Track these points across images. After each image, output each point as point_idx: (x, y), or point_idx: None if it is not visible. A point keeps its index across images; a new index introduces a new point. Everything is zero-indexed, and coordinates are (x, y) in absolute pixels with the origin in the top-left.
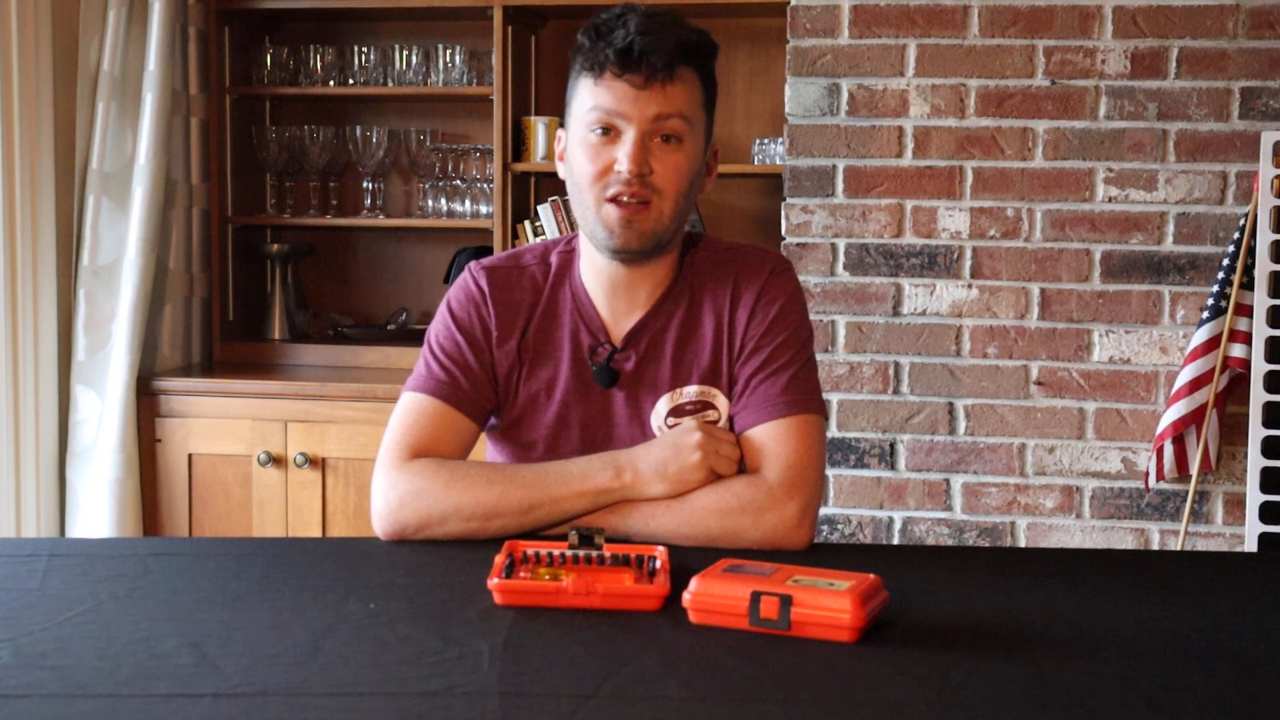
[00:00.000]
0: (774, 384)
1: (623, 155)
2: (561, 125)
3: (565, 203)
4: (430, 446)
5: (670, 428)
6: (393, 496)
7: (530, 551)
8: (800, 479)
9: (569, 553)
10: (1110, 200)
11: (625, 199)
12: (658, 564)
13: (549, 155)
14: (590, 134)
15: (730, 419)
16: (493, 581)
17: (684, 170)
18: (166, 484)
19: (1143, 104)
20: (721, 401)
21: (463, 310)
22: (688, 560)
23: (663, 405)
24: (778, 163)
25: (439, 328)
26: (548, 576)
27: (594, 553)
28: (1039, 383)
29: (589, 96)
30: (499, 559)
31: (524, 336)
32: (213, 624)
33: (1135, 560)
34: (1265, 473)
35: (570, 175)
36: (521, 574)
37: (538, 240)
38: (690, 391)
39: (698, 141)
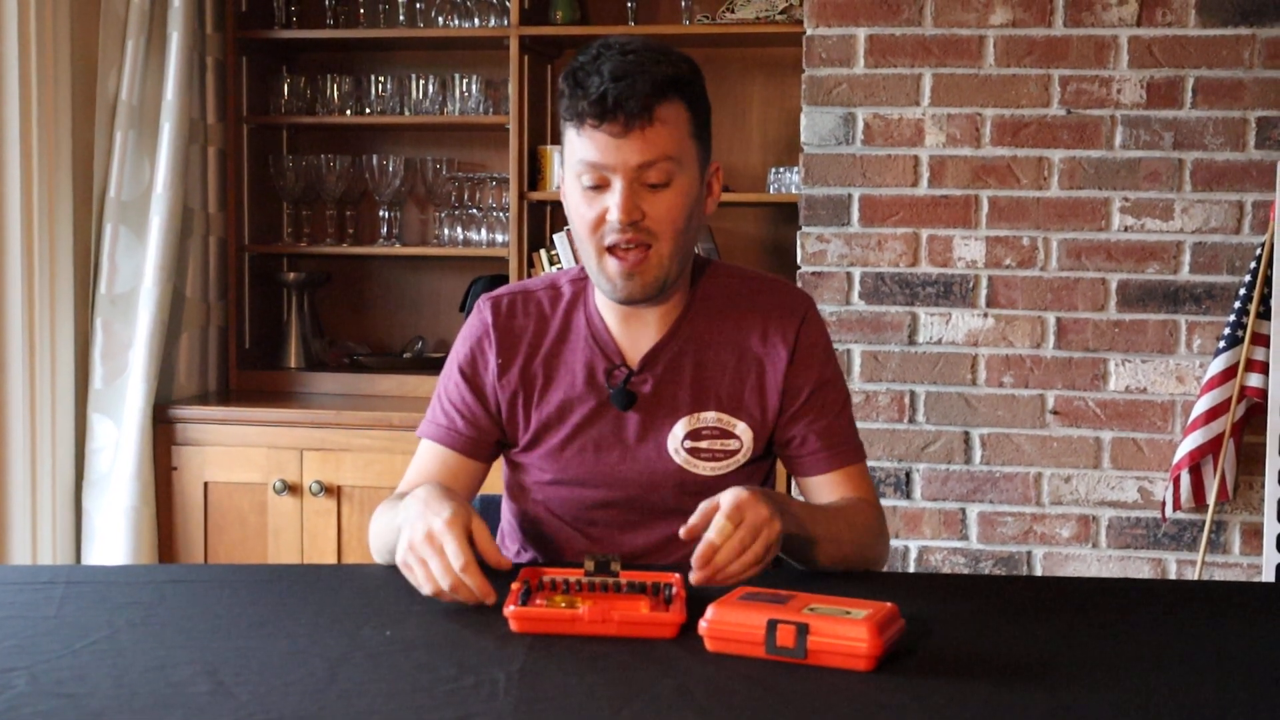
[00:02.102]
0: (835, 429)
1: (613, 205)
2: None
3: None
4: None
5: (688, 450)
6: (370, 530)
7: (547, 579)
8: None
9: (585, 579)
10: (1126, 229)
11: (623, 247)
12: (674, 590)
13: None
14: (580, 183)
15: (760, 453)
16: (509, 609)
17: (678, 208)
18: (182, 512)
19: (1159, 133)
20: (742, 430)
21: (466, 348)
22: (704, 588)
23: (680, 429)
24: (793, 191)
25: (446, 370)
26: (563, 604)
27: (610, 579)
28: (1055, 412)
29: (574, 147)
30: (515, 585)
31: (530, 361)
32: (228, 652)
33: (1152, 590)
34: None
35: (570, 220)
36: (538, 600)
37: (552, 269)
38: (708, 417)
39: (690, 174)
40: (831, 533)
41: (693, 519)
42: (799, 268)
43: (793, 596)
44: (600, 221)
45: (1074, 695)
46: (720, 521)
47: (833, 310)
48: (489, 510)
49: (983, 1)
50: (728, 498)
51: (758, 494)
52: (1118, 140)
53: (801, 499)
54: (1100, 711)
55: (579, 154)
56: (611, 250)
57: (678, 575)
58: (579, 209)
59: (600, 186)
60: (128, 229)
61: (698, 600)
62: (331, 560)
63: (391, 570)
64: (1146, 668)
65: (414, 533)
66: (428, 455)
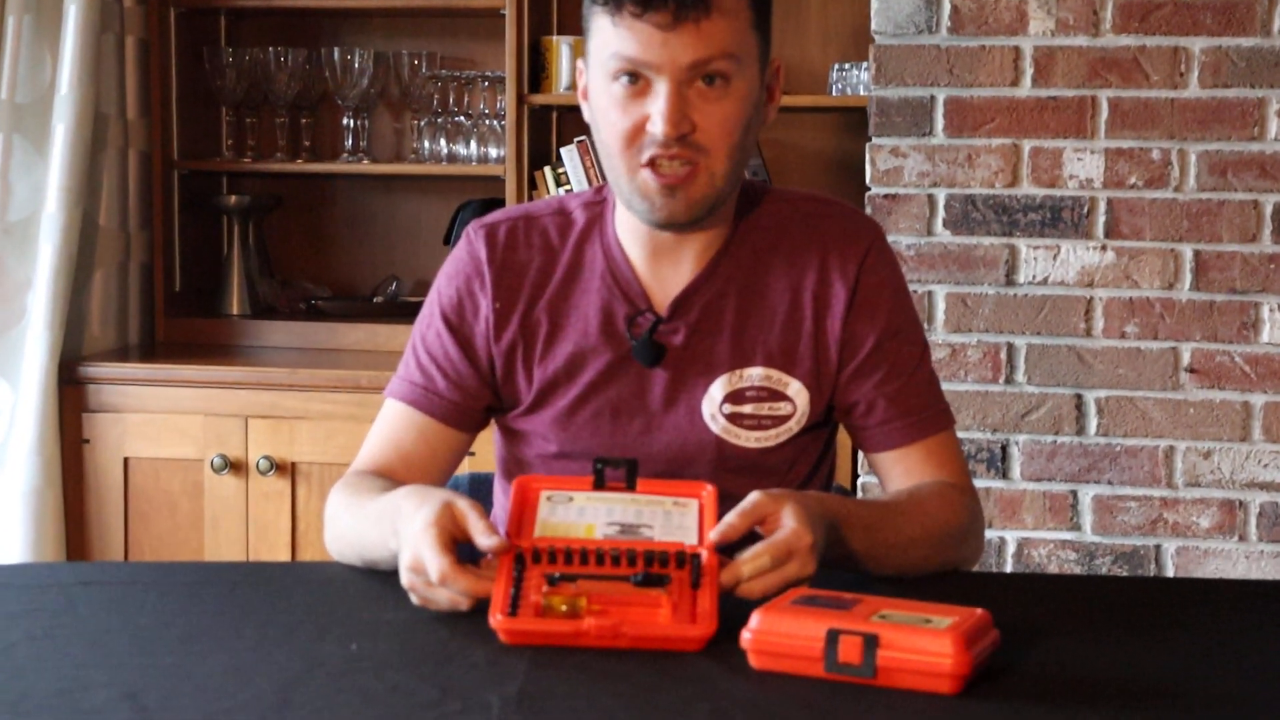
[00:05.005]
0: (910, 392)
1: (656, 114)
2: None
3: (594, 144)
4: (395, 463)
5: (727, 416)
6: (326, 520)
7: (545, 546)
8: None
9: (592, 548)
10: None
11: (664, 165)
12: (701, 562)
13: (574, 84)
14: (613, 84)
15: (818, 419)
16: (494, 618)
17: (735, 118)
18: (96, 495)
19: None
20: (796, 390)
21: (452, 289)
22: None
23: (717, 390)
24: (861, 93)
25: (425, 314)
26: (564, 608)
27: (623, 548)
28: (1191, 369)
29: (606, 38)
30: (502, 564)
31: (533, 305)
32: (154, 671)
33: None
34: None
35: (595, 129)
36: (530, 596)
37: (559, 191)
38: (754, 374)
39: (750, 75)
40: (901, 540)
41: (732, 520)
42: (868, 189)
43: (859, 600)
44: (638, 132)
45: None
46: (762, 556)
47: (910, 242)
48: (480, 492)
49: None
50: (789, 524)
51: (815, 536)
52: (1276, 24)
53: (875, 479)
54: None
55: (612, 47)
56: (650, 164)
57: (708, 546)
58: (609, 115)
59: (639, 88)
60: (24, 139)
61: (734, 600)
62: (284, 556)
63: (358, 569)
64: None
65: (403, 558)
66: (398, 421)
